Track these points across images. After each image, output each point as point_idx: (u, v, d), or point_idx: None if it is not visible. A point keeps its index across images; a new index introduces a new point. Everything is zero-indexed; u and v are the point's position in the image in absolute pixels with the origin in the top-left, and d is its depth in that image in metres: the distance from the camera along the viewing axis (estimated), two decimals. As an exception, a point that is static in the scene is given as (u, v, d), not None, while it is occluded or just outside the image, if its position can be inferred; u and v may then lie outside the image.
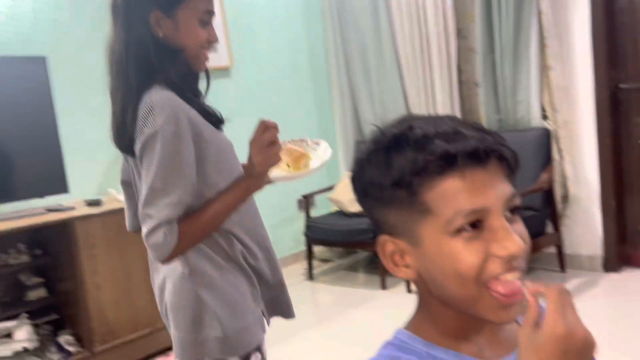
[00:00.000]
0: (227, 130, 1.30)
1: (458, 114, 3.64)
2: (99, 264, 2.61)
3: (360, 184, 0.66)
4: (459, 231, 0.58)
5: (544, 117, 3.35)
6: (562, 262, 3.33)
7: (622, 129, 3.22)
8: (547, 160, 3.28)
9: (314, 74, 4.33)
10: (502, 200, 0.59)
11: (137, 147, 1.12)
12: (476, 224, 0.59)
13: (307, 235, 3.75)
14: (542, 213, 3.22)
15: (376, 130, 0.66)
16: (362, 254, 4.26)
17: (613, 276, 3.23)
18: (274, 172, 1.24)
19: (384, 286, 3.47)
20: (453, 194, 0.58)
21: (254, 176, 1.16)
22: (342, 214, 3.76)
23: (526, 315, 0.55)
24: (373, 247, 2.88)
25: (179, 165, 1.10)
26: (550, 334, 0.52)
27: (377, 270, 3.66)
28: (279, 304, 1.33)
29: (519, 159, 0.63)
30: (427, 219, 0.60)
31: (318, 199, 4.07)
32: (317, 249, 4.10)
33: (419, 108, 3.77)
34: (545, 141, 3.28)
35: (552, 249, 3.33)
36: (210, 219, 1.14)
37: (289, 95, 4.13)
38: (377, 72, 3.97)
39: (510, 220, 0.60)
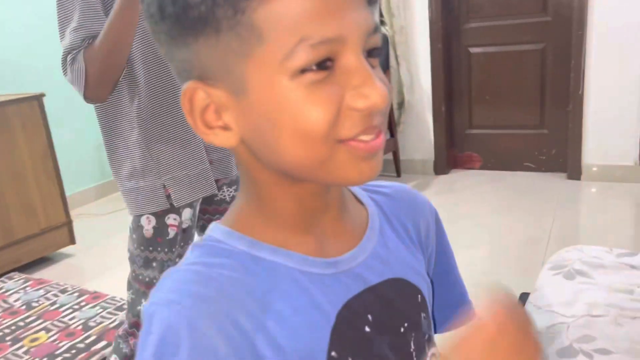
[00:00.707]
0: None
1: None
2: None
3: (155, 6, 0.44)
4: (302, 71, 0.41)
5: (382, 22, 3.31)
6: (397, 167, 3.45)
7: (453, 35, 3.31)
8: (385, 67, 3.28)
9: None
10: (362, 31, 0.43)
11: None
12: (325, 63, 0.42)
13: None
14: (380, 120, 3.25)
15: None
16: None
17: (442, 177, 3.44)
18: None
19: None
20: (297, 13, 0.40)
21: None
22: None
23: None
24: None
25: (68, 10, 1.12)
26: None
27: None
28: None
29: None
30: (256, 52, 0.42)
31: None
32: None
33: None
34: (383, 47, 3.26)
35: (388, 156, 3.42)
36: (107, 33, 1.10)
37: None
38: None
39: (369, 64, 0.44)
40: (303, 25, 0.40)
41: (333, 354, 0.48)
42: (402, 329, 0.54)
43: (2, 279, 2.46)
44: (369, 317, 0.51)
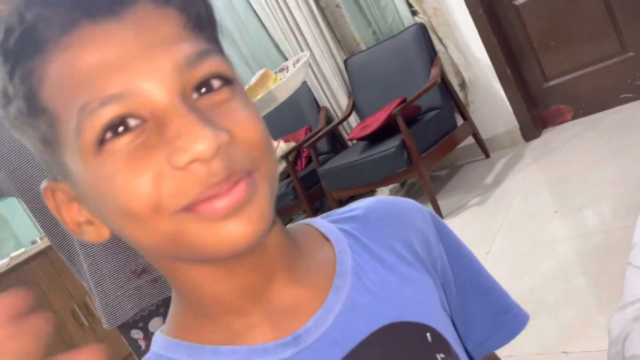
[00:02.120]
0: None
1: (332, 43, 3.42)
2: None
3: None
4: (100, 144, 0.35)
5: (413, 12, 3.17)
6: (483, 148, 3.23)
7: (491, -4, 3.08)
8: (433, 54, 3.13)
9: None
10: (168, 70, 0.35)
11: None
12: (127, 124, 0.35)
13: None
14: (446, 108, 3.07)
15: None
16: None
17: (535, 142, 3.16)
18: None
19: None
20: (73, 76, 0.35)
21: None
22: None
23: None
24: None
25: None
26: None
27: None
28: None
29: None
30: (55, 138, 0.37)
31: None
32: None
33: (291, 50, 3.53)
34: (423, 36, 3.11)
35: (470, 140, 3.22)
36: None
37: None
38: (239, 32, 3.69)
39: (204, 103, 0.36)
40: (81, 91, 0.34)
41: None
42: None
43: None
44: None
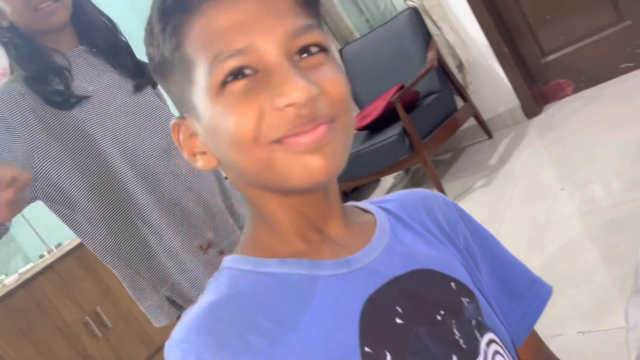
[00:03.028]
0: None
1: (326, 33, 3.39)
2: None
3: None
4: (223, 85, 0.46)
5: (405, -4, 3.14)
6: (485, 129, 3.20)
7: (483, -26, 3.04)
8: (427, 38, 3.09)
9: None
10: (280, 36, 0.46)
11: None
12: (244, 72, 0.46)
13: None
14: (445, 91, 3.04)
15: None
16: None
17: (538, 119, 3.12)
18: None
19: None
20: (210, 33, 0.47)
21: None
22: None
23: None
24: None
25: None
26: None
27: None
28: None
29: None
30: (192, 78, 0.48)
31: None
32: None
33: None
34: (417, 19, 3.08)
35: (471, 121, 3.19)
36: None
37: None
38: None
39: (304, 63, 0.47)
40: (215, 44, 0.46)
41: (367, 349, 0.46)
42: (438, 317, 0.51)
43: (160, 385, 2.61)
44: (398, 309, 0.50)
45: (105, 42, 1.15)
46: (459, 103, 3.14)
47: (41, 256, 2.77)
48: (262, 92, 0.45)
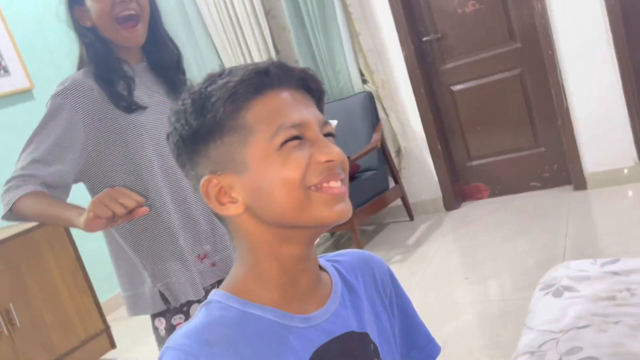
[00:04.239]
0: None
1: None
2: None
3: (177, 137, 0.66)
4: (283, 144, 0.62)
5: (364, 81, 3.49)
6: (409, 211, 3.54)
7: (433, 78, 3.47)
8: (375, 121, 3.44)
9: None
10: (318, 120, 0.66)
11: None
12: (297, 138, 0.63)
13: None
14: (381, 170, 3.37)
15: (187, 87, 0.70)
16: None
17: (454, 213, 3.51)
18: None
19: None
20: (273, 110, 0.63)
21: (80, 220, 1.11)
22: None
23: None
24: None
25: (43, 136, 1.20)
26: None
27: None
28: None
29: (323, 90, 0.71)
30: (251, 141, 0.63)
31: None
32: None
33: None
34: (370, 103, 3.43)
35: (398, 202, 3.52)
36: (40, 215, 1.20)
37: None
38: (197, 65, 3.85)
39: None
40: (277, 118, 0.63)
41: None
42: None
43: (52, 395, 2.57)
44: None
45: (170, 61, 1.34)
46: (391, 183, 3.47)
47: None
48: (311, 150, 0.63)
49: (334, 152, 0.64)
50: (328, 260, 0.77)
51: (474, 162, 3.56)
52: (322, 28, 3.42)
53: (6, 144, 3.23)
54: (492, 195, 3.53)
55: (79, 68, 1.30)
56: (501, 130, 3.40)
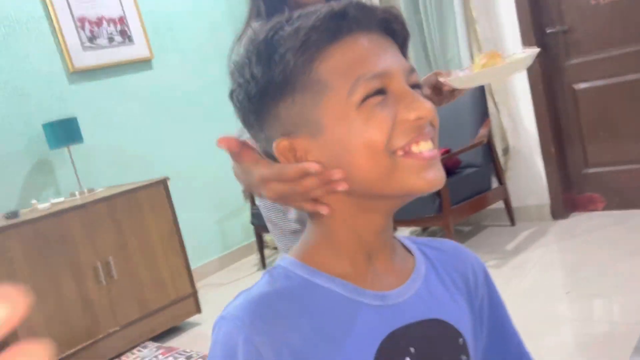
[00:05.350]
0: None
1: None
2: (20, 281, 2.42)
3: (242, 94, 0.57)
4: (363, 100, 0.53)
5: (476, 72, 3.30)
6: (511, 215, 3.31)
7: (554, 74, 3.20)
8: (484, 115, 3.24)
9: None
10: (403, 68, 0.55)
11: None
12: (380, 92, 0.54)
13: (253, 223, 3.62)
14: (485, 169, 3.18)
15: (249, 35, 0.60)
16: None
17: (562, 222, 3.23)
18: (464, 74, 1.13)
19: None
20: (351, 60, 0.54)
21: None
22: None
23: None
24: None
25: None
26: None
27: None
28: None
29: (408, 33, 0.60)
30: (325, 98, 0.54)
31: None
32: (269, 237, 3.97)
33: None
34: (480, 96, 3.23)
35: (500, 204, 3.30)
36: None
37: (214, 81, 3.96)
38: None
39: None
40: (356, 68, 0.53)
41: None
42: None
43: (139, 348, 2.71)
44: (411, 349, 0.57)
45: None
46: (494, 183, 3.26)
47: (72, 194, 2.93)
48: (397, 106, 0.53)
49: (425, 107, 0.53)
50: (416, 243, 0.67)
51: (591, 170, 3.24)
52: (437, 13, 3.27)
53: (126, 109, 3.44)
54: (608, 208, 3.20)
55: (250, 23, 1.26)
56: (626, 137, 3.06)
